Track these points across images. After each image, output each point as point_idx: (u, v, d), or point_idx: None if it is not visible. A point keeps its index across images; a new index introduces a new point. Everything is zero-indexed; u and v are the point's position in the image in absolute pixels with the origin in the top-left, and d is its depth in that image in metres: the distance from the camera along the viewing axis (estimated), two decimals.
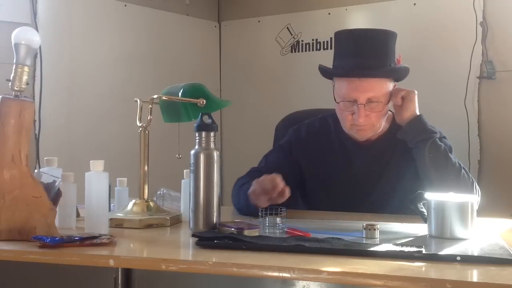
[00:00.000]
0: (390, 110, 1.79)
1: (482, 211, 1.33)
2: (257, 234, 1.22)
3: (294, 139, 1.87)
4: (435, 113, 2.97)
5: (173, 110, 1.54)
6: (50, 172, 1.38)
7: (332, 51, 1.81)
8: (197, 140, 1.31)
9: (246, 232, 1.21)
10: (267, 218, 1.31)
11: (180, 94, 1.51)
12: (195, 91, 1.52)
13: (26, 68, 1.25)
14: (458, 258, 1.01)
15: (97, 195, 1.30)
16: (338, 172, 1.78)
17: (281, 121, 2.19)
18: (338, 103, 1.71)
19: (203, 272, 1.01)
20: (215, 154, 1.30)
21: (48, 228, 1.22)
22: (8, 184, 1.21)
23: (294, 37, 3.51)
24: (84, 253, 1.09)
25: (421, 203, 1.31)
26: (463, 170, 1.66)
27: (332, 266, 0.97)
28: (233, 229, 1.23)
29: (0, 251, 1.13)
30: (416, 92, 1.73)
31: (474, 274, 0.97)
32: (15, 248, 1.14)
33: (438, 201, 1.25)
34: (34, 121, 2.69)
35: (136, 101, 1.47)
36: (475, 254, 1.08)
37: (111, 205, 1.59)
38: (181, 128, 1.52)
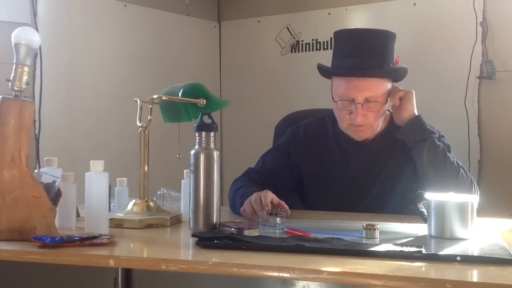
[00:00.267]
0: (388, 110, 1.79)
1: (482, 211, 1.32)
2: (257, 234, 1.22)
3: (291, 139, 1.88)
4: (435, 113, 2.97)
5: (173, 110, 1.54)
6: (50, 172, 1.38)
7: (332, 51, 1.82)
8: (197, 140, 1.31)
9: (246, 232, 1.21)
10: (267, 219, 1.31)
11: (180, 94, 1.51)
12: (195, 91, 1.52)
13: (26, 68, 1.25)
14: (458, 258, 1.01)
15: (97, 195, 1.30)
16: (335, 172, 1.78)
17: (281, 121, 2.19)
18: (336, 102, 1.72)
19: (203, 272, 1.01)
20: (215, 154, 1.30)
21: (48, 228, 1.22)
22: (8, 184, 1.21)
23: (294, 37, 3.51)
24: (84, 253, 1.09)
25: (421, 203, 1.31)
26: (461, 170, 1.66)
27: (332, 266, 0.97)
28: (233, 229, 1.23)
29: (0, 251, 1.13)
30: (414, 92, 1.72)
31: (474, 274, 0.97)
32: (15, 248, 1.14)
33: (438, 201, 1.25)
34: (34, 121, 2.69)
35: (136, 101, 1.47)
36: (475, 254, 1.08)
37: (111, 205, 1.59)
38: (181, 128, 1.52)
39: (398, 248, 1.06)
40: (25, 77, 1.25)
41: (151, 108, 1.45)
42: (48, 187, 1.29)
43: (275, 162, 1.85)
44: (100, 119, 3.02)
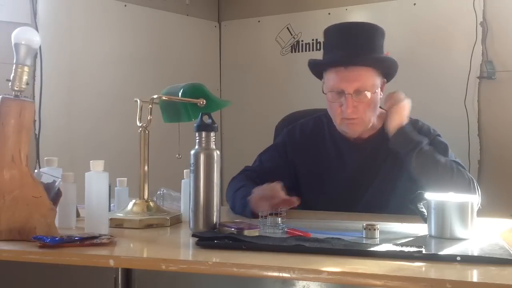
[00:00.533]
0: (382, 107, 1.79)
1: (482, 211, 1.33)
2: (257, 234, 1.22)
3: (288, 139, 1.89)
4: (435, 113, 2.99)
5: (173, 110, 1.54)
6: (50, 172, 1.38)
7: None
8: (197, 140, 1.31)
9: (246, 232, 1.21)
10: (267, 218, 1.31)
11: (180, 94, 1.51)
12: (195, 91, 1.52)
13: (26, 68, 1.25)
14: (458, 258, 1.01)
15: (97, 195, 1.30)
16: (332, 172, 1.78)
17: (281, 121, 2.19)
18: (326, 93, 1.73)
19: (203, 272, 1.01)
20: (215, 154, 1.30)
21: (48, 228, 1.22)
22: (8, 184, 1.21)
23: (294, 37, 3.51)
24: (84, 253, 1.09)
25: (421, 203, 1.31)
26: (456, 170, 1.63)
27: (332, 266, 0.97)
28: (233, 229, 1.23)
29: (0, 251, 1.13)
30: (404, 102, 1.70)
31: (474, 274, 0.97)
32: (15, 248, 1.14)
33: (438, 201, 1.25)
34: (34, 121, 2.69)
35: (136, 101, 1.47)
36: (475, 254, 1.08)
37: (111, 205, 1.59)
38: (181, 128, 1.52)
39: (398, 248, 1.06)
40: (25, 77, 1.25)
41: (151, 108, 1.45)
42: (48, 187, 1.29)
43: (272, 161, 1.86)
44: (100, 119, 3.02)
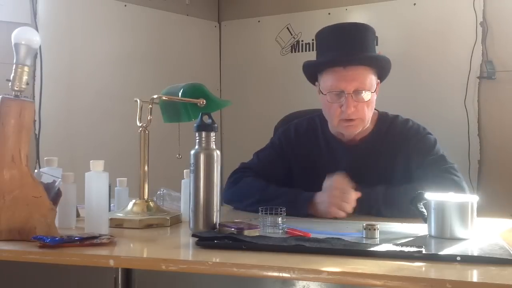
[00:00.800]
0: (376, 109, 1.79)
1: (482, 211, 1.32)
2: (257, 234, 1.22)
3: (284, 139, 1.90)
4: (435, 113, 2.99)
5: (173, 110, 1.54)
6: (50, 172, 1.38)
7: (315, 52, 1.84)
8: (197, 140, 1.31)
9: (246, 232, 1.21)
10: (267, 218, 1.31)
11: (180, 94, 1.51)
12: (195, 91, 1.52)
13: (26, 68, 1.25)
14: (458, 258, 1.01)
15: (97, 195, 1.30)
16: (325, 172, 1.75)
17: (281, 121, 2.20)
18: (325, 94, 1.72)
19: (203, 272, 1.01)
20: (215, 154, 1.30)
21: (48, 228, 1.22)
22: (8, 184, 1.21)
23: (294, 37, 3.51)
24: (84, 253, 1.09)
25: (421, 203, 1.31)
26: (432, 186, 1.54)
27: (332, 266, 0.97)
28: (233, 229, 1.23)
29: (0, 251, 1.13)
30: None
31: (474, 274, 0.97)
32: (15, 248, 1.14)
33: (438, 201, 1.25)
34: (34, 121, 2.69)
35: (136, 101, 1.47)
36: (475, 254, 1.08)
37: (111, 205, 1.59)
38: (181, 128, 1.52)
39: (398, 248, 1.06)
40: (25, 77, 1.25)
41: (151, 108, 1.45)
42: (48, 187, 1.29)
43: (270, 158, 1.87)
44: (100, 119, 3.02)
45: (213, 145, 1.31)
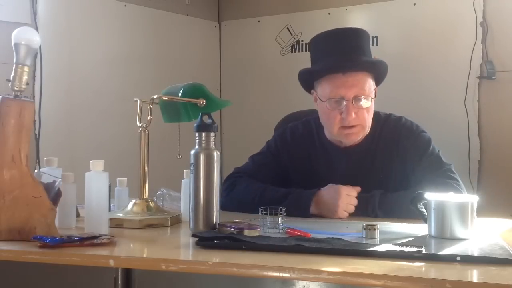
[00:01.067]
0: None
1: (482, 211, 1.32)
2: (257, 234, 1.22)
3: (280, 142, 1.88)
4: (435, 113, 2.99)
5: (173, 110, 1.54)
6: (50, 172, 1.38)
7: (310, 59, 1.82)
8: (197, 140, 1.31)
9: (246, 232, 1.21)
10: (267, 218, 1.31)
11: (180, 94, 1.51)
12: (195, 91, 1.52)
13: (26, 68, 1.25)
14: (458, 258, 1.01)
15: (97, 195, 1.30)
16: (321, 176, 1.75)
17: (281, 121, 2.19)
18: (324, 102, 1.70)
19: (203, 272, 1.01)
20: (215, 154, 1.30)
21: (48, 228, 1.22)
22: (8, 184, 1.21)
23: (294, 37, 3.51)
24: (84, 253, 1.09)
25: (421, 203, 1.31)
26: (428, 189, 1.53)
27: (332, 266, 0.97)
28: (233, 229, 1.23)
29: (0, 251, 1.13)
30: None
31: (474, 274, 0.97)
32: (15, 248, 1.14)
33: (438, 201, 1.25)
34: (34, 121, 2.69)
35: (136, 101, 1.47)
36: (475, 254, 1.08)
37: (111, 205, 1.59)
38: (181, 128, 1.52)
39: (398, 248, 1.06)
40: (25, 77, 1.25)
41: (151, 108, 1.45)
42: (48, 187, 1.29)
43: (265, 162, 1.86)
44: (100, 119, 3.02)
45: (213, 145, 1.31)
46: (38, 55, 2.73)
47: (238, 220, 1.34)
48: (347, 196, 1.58)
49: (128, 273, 1.07)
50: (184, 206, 1.50)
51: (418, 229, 1.31)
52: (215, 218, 1.29)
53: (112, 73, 3.10)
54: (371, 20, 3.29)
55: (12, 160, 1.22)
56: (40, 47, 2.21)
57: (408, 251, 1.04)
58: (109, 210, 1.51)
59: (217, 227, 1.28)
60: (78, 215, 1.42)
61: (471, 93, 2.98)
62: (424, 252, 1.04)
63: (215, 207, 1.29)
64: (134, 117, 1.46)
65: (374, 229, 1.21)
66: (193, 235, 1.19)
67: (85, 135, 2.96)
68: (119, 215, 1.43)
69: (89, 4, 3.03)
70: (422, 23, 3.14)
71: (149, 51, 3.28)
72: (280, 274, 0.96)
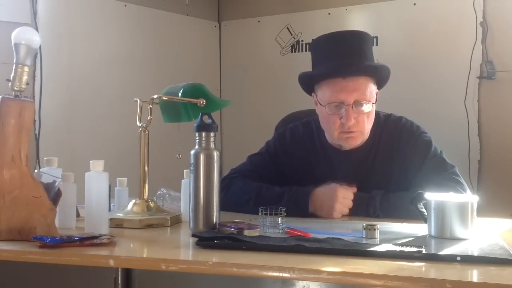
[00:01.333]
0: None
1: (482, 211, 1.32)
2: (257, 234, 1.22)
3: (279, 143, 1.87)
4: (435, 113, 2.99)
5: (173, 110, 1.54)
6: (50, 172, 1.38)
7: (311, 62, 1.80)
8: (197, 140, 1.31)
9: (246, 232, 1.21)
10: (267, 218, 1.31)
11: (180, 94, 1.51)
12: (195, 91, 1.52)
13: (26, 68, 1.25)
14: (458, 258, 1.01)
15: (97, 195, 1.30)
16: (321, 178, 1.72)
17: (281, 121, 2.19)
18: (324, 106, 1.69)
19: (203, 272, 1.01)
20: (215, 154, 1.30)
21: (48, 228, 1.22)
22: (8, 184, 1.21)
23: (294, 37, 3.51)
24: (84, 253, 1.09)
25: (421, 203, 1.31)
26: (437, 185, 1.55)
27: (332, 266, 0.97)
28: (233, 229, 1.23)
29: (0, 251, 1.13)
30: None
31: (474, 274, 0.97)
32: (15, 248, 1.14)
33: (438, 201, 1.25)
34: (34, 121, 2.69)
35: (136, 101, 1.47)
36: (475, 254, 1.08)
37: (111, 205, 1.59)
38: (181, 128, 1.52)
39: (398, 248, 1.06)
40: (25, 77, 1.25)
41: (151, 108, 1.45)
42: (48, 187, 1.29)
43: (262, 163, 1.85)
44: (100, 119, 3.02)
45: (213, 145, 1.31)
46: (38, 55, 2.73)
47: (238, 220, 1.34)
48: (343, 199, 1.58)
49: (128, 273, 1.07)
50: (184, 206, 1.50)
51: (418, 229, 1.31)
52: (215, 218, 1.29)
53: (112, 73, 3.10)
54: (371, 20, 3.30)
55: (12, 160, 1.22)
56: (40, 47, 2.21)
57: (408, 251, 1.04)
58: (109, 210, 1.51)
59: (217, 227, 1.28)
60: (78, 215, 1.42)
61: (471, 93, 2.98)
62: (424, 252, 1.04)
63: (215, 207, 1.29)
64: (134, 117, 1.46)
65: (374, 229, 1.21)
66: (193, 235, 1.19)
67: (85, 135, 2.96)
68: (119, 215, 1.43)
69: (89, 4, 3.03)
70: (422, 23, 3.14)
71: (149, 51, 3.28)
72: (280, 274, 0.96)
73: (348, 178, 1.70)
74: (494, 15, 2.97)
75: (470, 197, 1.26)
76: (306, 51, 3.43)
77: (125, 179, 1.67)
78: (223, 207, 1.63)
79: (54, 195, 1.30)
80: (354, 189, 1.61)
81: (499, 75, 2.94)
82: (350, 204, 1.59)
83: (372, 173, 1.74)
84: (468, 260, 1.02)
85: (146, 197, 1.46)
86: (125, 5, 3.18)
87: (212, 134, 1.31)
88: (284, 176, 1.83)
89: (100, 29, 3.07)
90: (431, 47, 3.10)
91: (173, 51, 3.40)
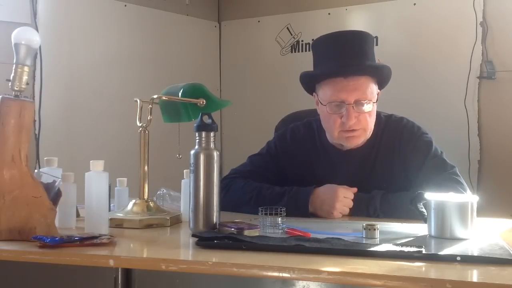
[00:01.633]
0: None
1: (482, 211, 1.32)
2: (257, 234, 1.22)
3: (279, 144, 1.87)
4: (435, 113, 3.00)
5: (173, 110, 1.54)
6: (50, 172, 1.38)
7: (312, 62, 1.80)
8: (197, 140, 1.31)
9: (246, 232, 1.21)
10: (267, 218, 1.31)
11: (180, 94, 1.51)
12: (195, 91, 1.52)
13: (26, 68, 1.25)
14: (458, 258, 1.01)
15: (97, 195, 1.30)
16: (321, 178, 1.73)
17: (281, 121, 2.19)
18: (325, 105, 1.69)
19: (203, 272, 1.01)
20: (215, 154, 1.30)
21: (48, 228, 1.22)
22: (8, 184, 1.21)
23: (294, 37, 3.51)
24: (84, 253, 1.09)
25: (421, 203, 1.31)
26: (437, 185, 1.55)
27: (332, 266, 0.97)
28: (233, 229, 1.23)
29: (0, 251, 1.13)
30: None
31: (474, 274, 0.97)
32: (15, 248, 1.14)
33: (438, 201, 1.25)
34: (34, 121, 2.69)
35: (136, 101, 1.47)
36: (475, 254, 1.08)
37: (111, 205, 1.59)
38: (181, 128, 1.52)
39: (398, 248, 1.06)
40: (25, 77, 1.25)
41: (151, 108, 1.45)
42: (48, 187, 1.29)
43: (263, 163, 1.85)
44: (100, 119, 3.02)
45: (213, 145, 1.31)
46: (38, 55, 2.73)
47: (238, 220, 1.34)
48: (344, 199, 1.58)
49: (128, 273, 1.07)
50: (184, 206, 1.50)
51: (418, 229, 1.31)
52: (215, 218, 1.29)
53: (112, 73, 3.10)
54: (371, 20, 3.30)
55: (12, 160, 1.22)
56: (40, 47, 2.22)
57: (408, 251, 1.04)
58: (109, 210, 1.51)
59: (217, 227, 1.28)
60: (78, 215, 1.42)
61: (471, 93, 2.98)
62: (424, 252, 1.04)
63: (215, 207, 1.29)
64: (134, 117, 1.46)
65: (374, 229, 1.21)
66: (193, 235, 1.19)
67: (85, 135, 2.96)
68: (119, 215, 1.43)
69: (89, 4, 3.03)
70: (422, 23, 3.14)
71: (149, 51, 3.28)
72: (280, 274, 0.96)
73: (349, 178, 1.70)
74: (494, 15, 2.97)
75: (470, 197, 1.26)
76: (306, 51, 3.43)
77: (125, 179, 1.67)
78: (223, 207, 1.64)
79: (54, 195, 1.30)
80: (355, 189, 1.61)
81: (499, 75, 2.94)
82: (350, 203, 1.59)
83: (373, 173, 1.74)
84: (468, 260, 1.02)
85: (146, 197, 1.46)
86: (125, 5, 3.18)
87: (212, 134, 1.31)
88: (285, 176, 1.82)
89: (100, 29, 3.07)
90: (431, 47, 3.10)
91: (173, 51, 3.40)
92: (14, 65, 1.24)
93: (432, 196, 1.27)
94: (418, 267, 0.99)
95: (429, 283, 0.89)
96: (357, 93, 1.65)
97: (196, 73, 3.38)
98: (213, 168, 1.30)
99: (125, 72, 3.15)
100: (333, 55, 1.70)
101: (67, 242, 1.13)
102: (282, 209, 1.31)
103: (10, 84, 1.24)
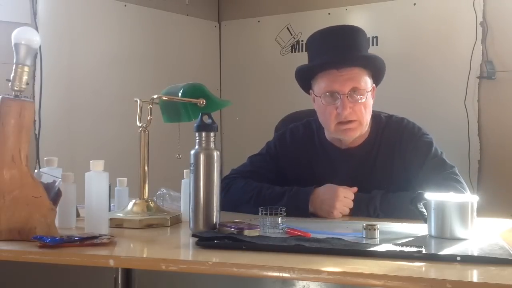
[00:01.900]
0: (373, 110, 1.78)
1: (482, 211, 1.32)
2: (257, 234, 1.22)
3: (279, 144, 1.87)
4: (435, 113, 2.99)
5: (173, 110, 1.54)
6: (50, 172, 1.38)
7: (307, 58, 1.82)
8: (197, 140, 1.31)
9: (246, 232, 1.21)
10: (267, 218, 1.31)
11: (180, 94, 1.51)
12: (195, 91, 1.52)
13: (26, 68, 1.25)
14: (458, 258, 1.01)
15: (97, 195, 1.30)
16: (321, 178, 1.72)
17: (281, 121, 2.19)
18: (319, 97, 1.71)
19: (203, 272, 1.01)
20: (215, 154, 1.30)
21: (48, 228, 1.22)
22: (8, 184, 1.21)
23: (294, 37, 3.51)
24: (84, 253, 1.09)
25: (421, 203, 1.31)
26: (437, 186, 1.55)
27: (332, 266, 0.97)
28: (233, 229, 1.23)
29: (0, 251, 1.13)
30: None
31: (474, 274, 0.97)
32: (15, 248, 1.14)
33: (438, 201, 1.25)
34: (34, 121, 2.69)
35: (136, 101, 1.47)
36: (475, 254, 1.08)
37: (111, 205, 1.59)
38: (181, 128, 1.52)
39: (398, 248, 1.06)
40: (25, 77, 1.25)
41: (151, 108, 1.45)
42: (48, 187, 1.29)
43: (263, 164, 1.85)
44: (100, 119, 3.02)
45: (213, 145, 1.31)
46: (38, 55, 2.73)
47: (238, 220, 1.34)
48: (344, 198, 1.59)
49: (128, 273, 1.07)
50: (184, 206, 1.50)
51: (418, 229, 1.31)
52: (215, 218, 1.29)
53: (112, 73, 3.10)
54: (371, 20, 3.30)
55: (12, 160, 1.22)
56: (40, 47, 2.22)
57: (408, 251, 1.04)
58: (109, 210, 1.51)
59: (217, 227, 1.28)
60: (78, 215, 1.42)
61: (471, 93, 2.98)
62: (424, 252, 1.05)
63: (215, 207, 1.30)
64: (134, 117, 1.46)
65: (374, 229, 1.21)
66: (193, 235, 1.19)
67: (85, 135, 2.96)
68: (119, 215, 1.43)
69: (89, 4, 3.03)
70: (422, 23, 3.14)
71: (149, 51, 3.28)
72: (280, 274, 0.97)
73: (349, 178, 1.70)
74: (494, 15, 2.97)
75: (470, 197, 1.26)
76: (306, 51, 3.42)
77: (125, 179, 1.67)
78: (223, 207, 1.64)
79: (54, 195, 1.30)
80: (355, 189, 1.62)
81: (499, 75, 2.94)
82: (350, 203, 1.59)
83: (373, 173, 1.74)
84: (468, 260, 1.02)
85: (146, 197, 1.46)
86: (125, 5, 3.18)
87: (212, 134, 1.31)
88: (285, 176, 1.83)
89: (100, 29, 3.07)
90: (431, 47, 3.10)
91: (173, 51, 3.40)
92: (14, 65, 1.24)
93: (432, 196, 1.27)
94: (418, 267, 0.99)
95: (429, 283, 0.89)
96: (350, 83, 1.66)
97: (196, 73, 3.38)
98: (213, 168, 1.30)
99: (125, 72, 3.15)
100: (325, 49, 1.72)
101: (67, 242, 1.13)
102: (282, 209, 1.31)
103: (10, 84, 1.24)
